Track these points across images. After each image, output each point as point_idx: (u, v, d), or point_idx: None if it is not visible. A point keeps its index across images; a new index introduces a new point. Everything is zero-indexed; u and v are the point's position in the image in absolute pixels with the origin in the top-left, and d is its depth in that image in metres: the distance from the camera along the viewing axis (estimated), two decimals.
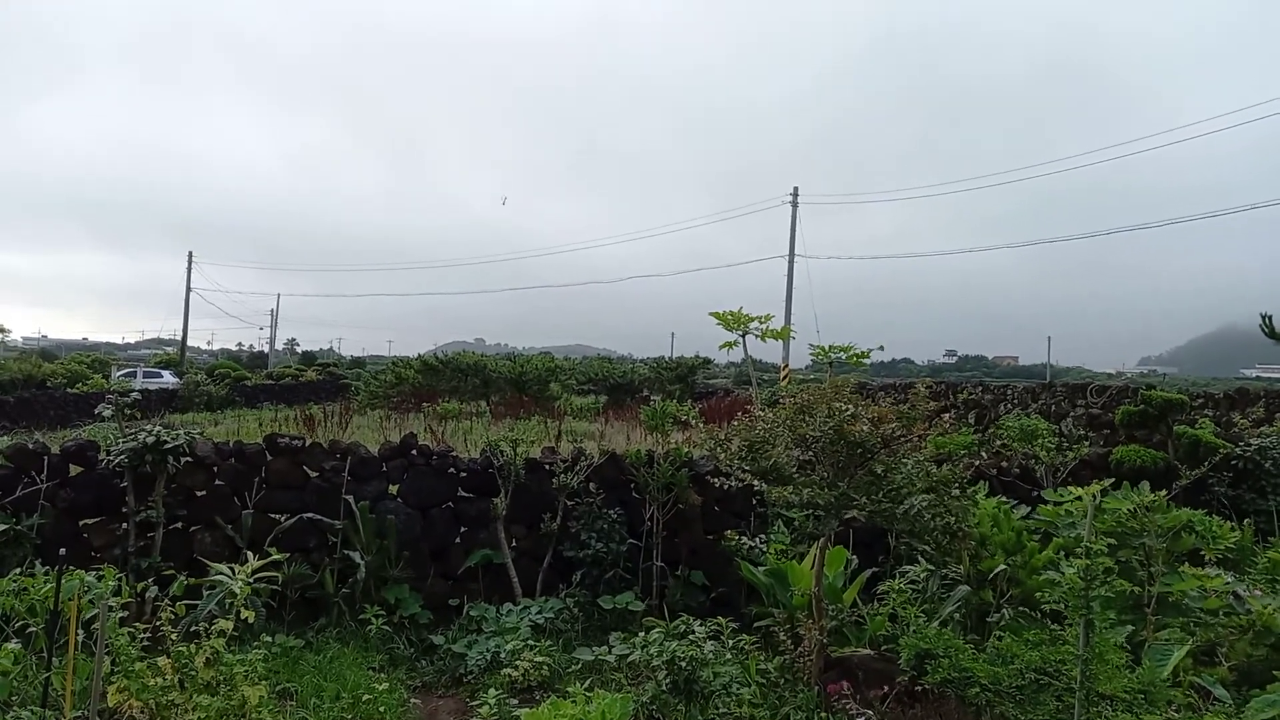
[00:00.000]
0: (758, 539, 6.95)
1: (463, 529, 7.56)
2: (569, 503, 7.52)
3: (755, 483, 5.43)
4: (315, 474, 7.35)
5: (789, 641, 5.39)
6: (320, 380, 49.78)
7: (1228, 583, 5.52)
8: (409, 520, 7.33)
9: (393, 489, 7.58)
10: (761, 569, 6.45)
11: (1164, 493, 6.07)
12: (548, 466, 7.68)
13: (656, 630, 5.57)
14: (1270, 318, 15.43)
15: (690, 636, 5.35)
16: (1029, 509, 7.01)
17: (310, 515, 7.09)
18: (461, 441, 14.84)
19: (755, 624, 6.29)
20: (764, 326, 9.76)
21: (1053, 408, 22.35)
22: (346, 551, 6.94)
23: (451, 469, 7.70)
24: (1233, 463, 9.10)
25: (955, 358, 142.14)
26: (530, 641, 6.14)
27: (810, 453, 5.21)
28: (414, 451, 7.69)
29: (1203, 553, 5.95)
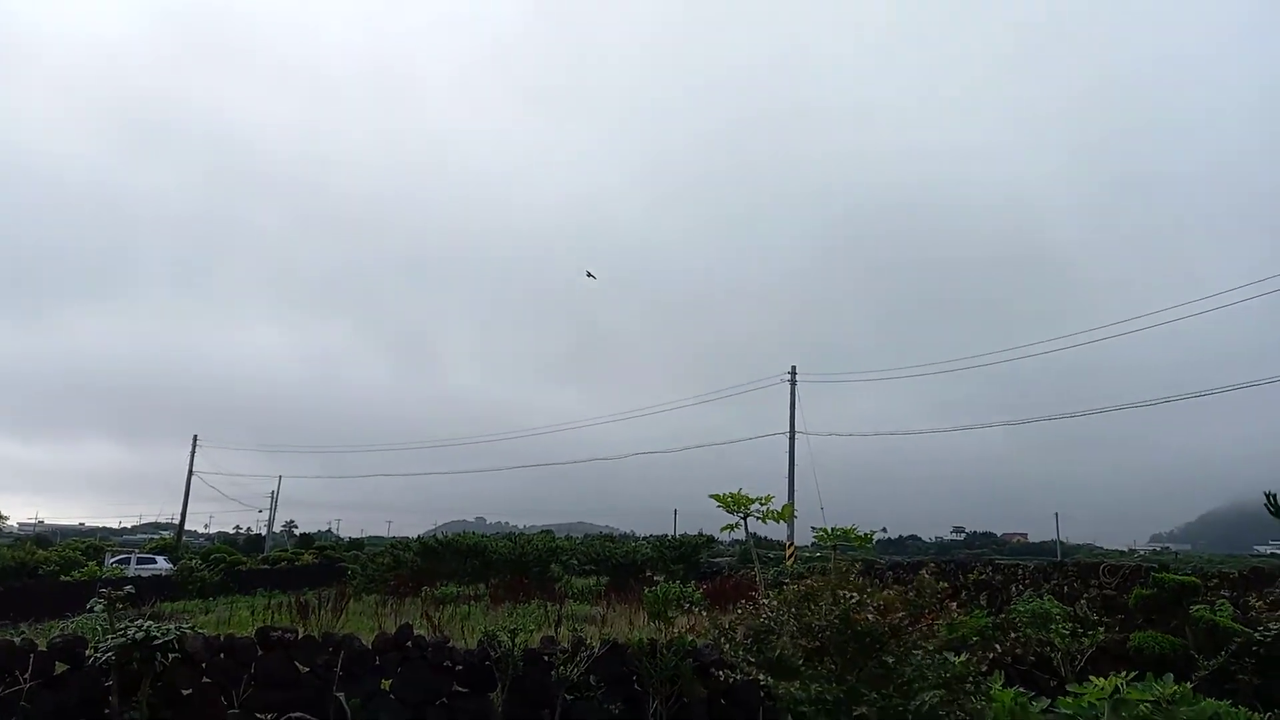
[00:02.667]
0: None
1: None
2: (569, 697, 7.22)
3: (761, 677, 5.26)
4: (307, 669, 7.12)
5: None
6: (317, 564, 48.69)
7: None
8: (402, 719, 7.02)
9: (386, 684, 7.32)
10: None
11: (1188, 684, 5.86)
12: (547, 658, 7.44)
13: None
14: (1275, 496, 15.31)
15: None
16: (1048, 701, 6.73)
17: (300, 716, 6.81)
18: (459, 628, 14.38)
19: None
20: (765, 508, 9.71)
21: (1065, 589, 21.76)
22: None
23: (448, 662, 7.46)
24: (1254, 649, 8.80)
25: (963, 535, 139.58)
26: None
27: (817, 641, 5.08)
28: (409, 644, 7.48)
29: None
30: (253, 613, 19.26)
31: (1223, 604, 11.73)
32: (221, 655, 7.06)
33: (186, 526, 64.87)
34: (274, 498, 72.54)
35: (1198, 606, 9.77)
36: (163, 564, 41.45)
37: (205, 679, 6.95)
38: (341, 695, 6.83)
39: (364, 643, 7.47)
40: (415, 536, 36.19)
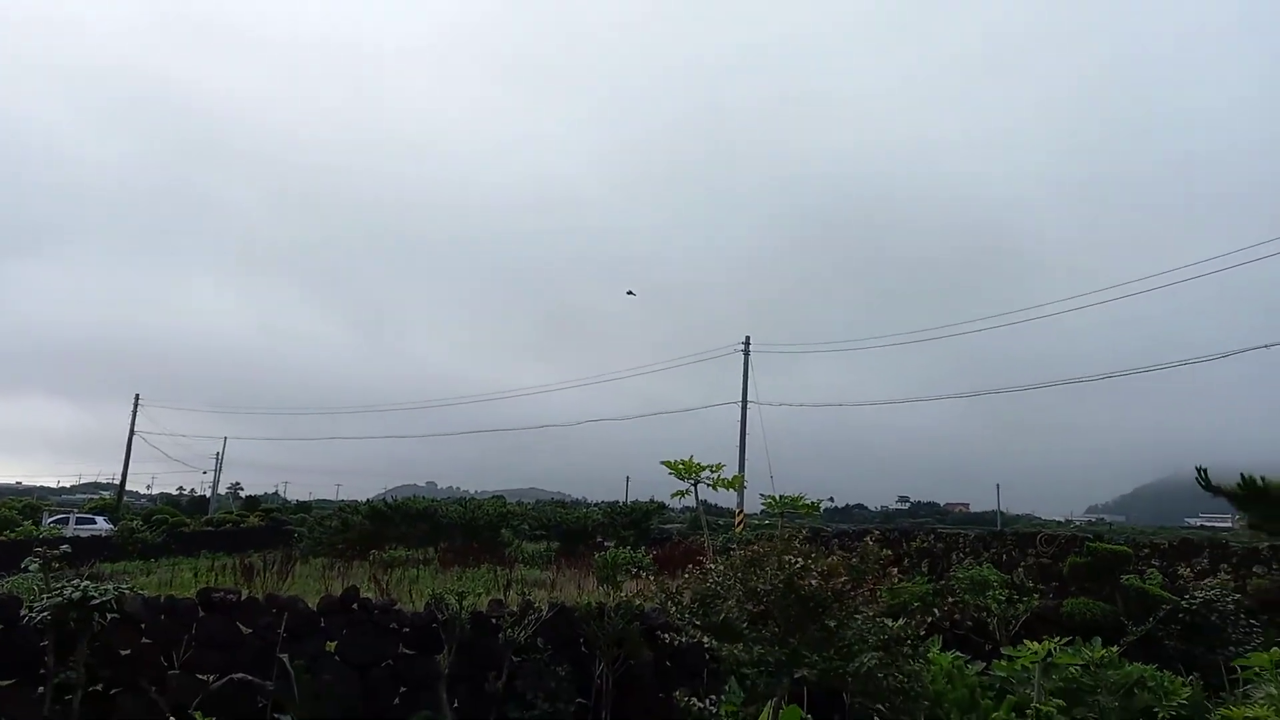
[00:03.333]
0: (709, 699, 6.73)
1: (403, 689, 7.22)
2: (516, 659, 7.25)
3: (706, 640, 5.33)
4: (250, 631, 7.04)
5: None
6: (263, 526, 48.06)
7: None
8: (347, 681, 6.99)
9: (331, 645, 7.27)
10: None
11: (1115, 648, 6.08)
12: (494, 621, 7.45)
13: None
14: (1206, 471, 15.88)
15: None
16: (984, 664, 6.95)
17: (241, 676, 6.74)
18: (407, 592, 14.33)
19: None
20: (715, 475, 9.82)
21: (1004, 557, 22.45)
22: (278, 715, 6.57)
23: (394, 624, 7.43)
24: (1180, 615, 9.16)
25: (908, 504, 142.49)
26: None
27: (762, 605, 5.16)
28: (355, 606, 7.43)
29: (1157, 710, 5.91)
30: (196, 575, 19.00)
31: (1152, 573, 12.17)
32: (162, 616, 6.94)
33: (128, 487, 63.53)
34: (219, 459, 71.30)
35: (1128, 575, 10.12)
36: (103, 524, 40.60)
37: (145, 640, 6.83)
38: (285, 657, 6.77)
39: (309, 605, 7.40)
40: (365, 500, 35.90)
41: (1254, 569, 21.04)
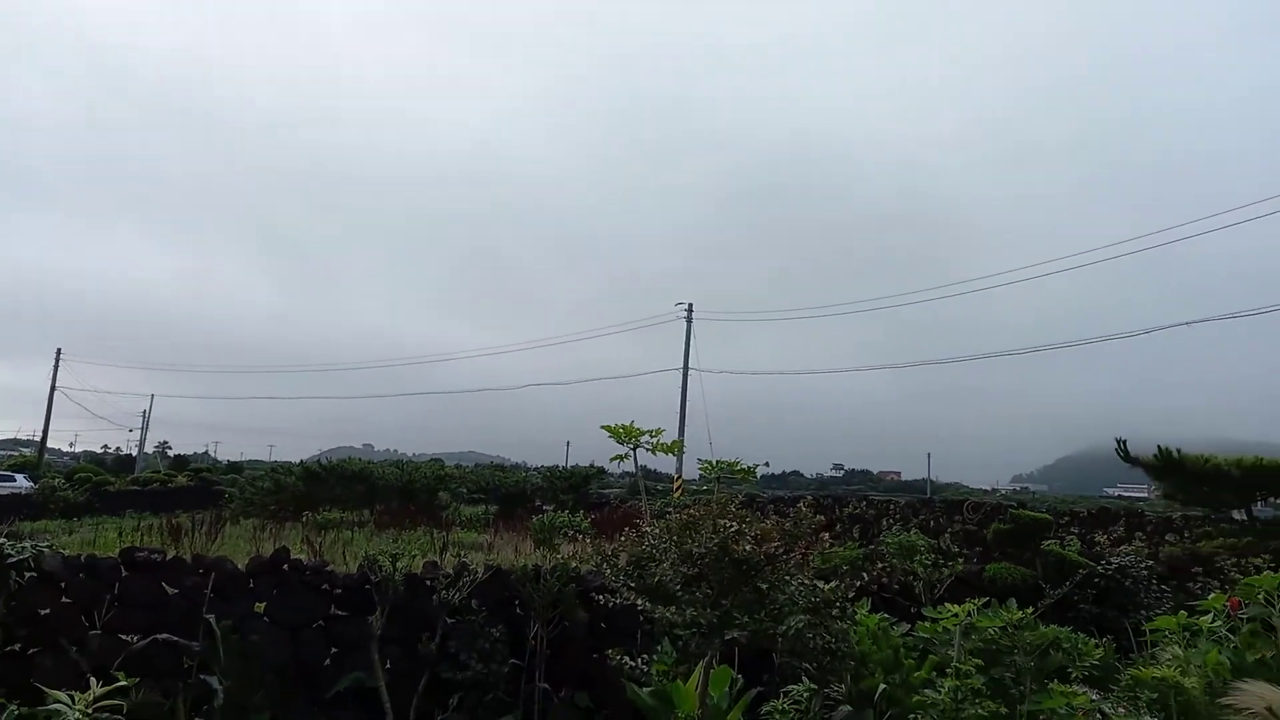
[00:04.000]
0: (642, 658, 6.83)
1: (335, 650, 7.15)
2: (450, 621, 7.24)
3: (640, 601, 5.37)
4: (175, 591, 6.88)
5: None
6: (192, 486, 46.97)
7: (1093, 700, 5.72)
8: (277, 642, 6.90)
9: (261, 607, 7.16)
10: (647, 690, 6.32)
11: (1032, 610, 6.32)
12: (429, 582, 7.42)
13: None
14: (1125, 442, 16.47)
15: None
16: (909, 626, 7.16)
17: (165, 636, 6.60)
18: (341, 554, 14.18)
19: None
20: (655, 440, 9.85)
21: (932, 523, 23.15)
22: (204, 676, 6.45)
23: (325, 586, 7.34)
24: (1096, 580, 9.56)
25: (842, 472, 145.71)
26: None
27: (696, 569, 5.22)
28: (286, 566, 7.32)
29: (1070, 670, 6.16)
30: (121, 535, 18.46)
31: (1071, 540, 12.67)
32: (82, 575, 6.74)
33: (50, 445, 61.56)
34: (145, 417, 69.42)
35: (1048, 542, 10.52)
36: (23, 482, 39.30)
37: (65, 599, 6.63)
38: (211, 617, 6.64)
39: (237, 566, 7.26)
40: (299, 461, 35.22)
41: (1166, 537, 22.08)
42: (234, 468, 66.98)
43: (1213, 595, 9.23)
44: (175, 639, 6.61)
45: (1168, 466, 15.53)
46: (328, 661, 7.09)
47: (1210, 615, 8.33)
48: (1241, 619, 8.56)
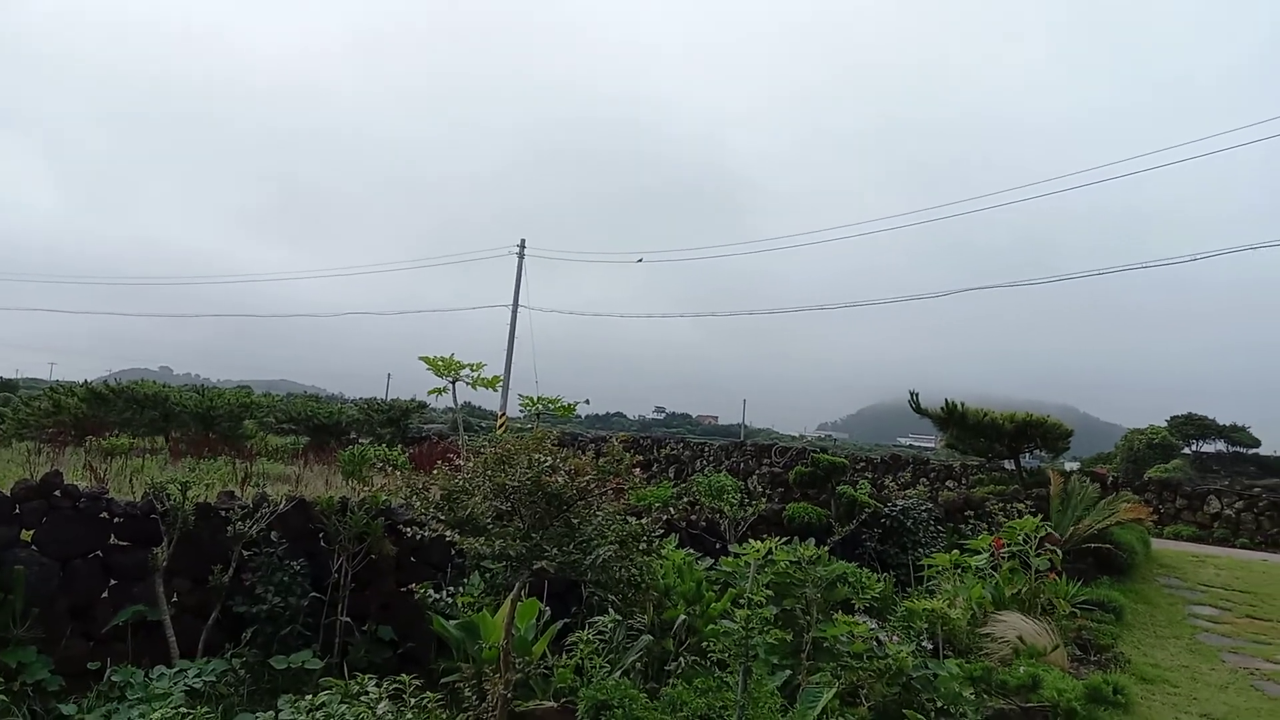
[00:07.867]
0: (447, 590, 6.77)
1: (113, 582, 6.63)
2: (246, 553, 6.88)
3: (449, 534, 5.30)
4: None
5: (474, 697, 5.28)
6: None
7: (872, 629, 6.22)
8: (45, 572, 6.30)
9: (29, 535, 6.51)
10: (454, 622, 6.29)
11: (824, 547, 6.76)
12: (224, 513, 6.99)
13: (325, 693, 5.20)
14: (917, 395, 17.81)
15: (364, 698, 5.04)
16: (713, 561, 7.49)
17: None
18: (129, 482, 13.14)
19: (443, 680, 6.09)
20: (476, 374, 9.70)
21: (742, 465, 24.31)
22: None
23: (104, 514, 6.76)
24: (882, 520, 10.35)
25: (664, 415, 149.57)
26: (183, 709, 5.47)
27: (509, 503, 5.20)
28: (57, 493, 6.67)
29: (854, 602, 6.66)
30: None
31: (863, 483, 13.61)
32: None
33: None
34: None
35: (843, 484, 11.26)
36: None
37: None
38: None
39: (2, 491, 6.55)
40: (84, 381, 32.18)
41: (947, 483, 24.26)
42: (8, 385, 60.27)
43: (981, 536, 10.26)
44: None
45: (951, 418, 17.00)
46: (105, 594, 6.57)
47: (979, 554, 9.26)
48: (1004, 557, 9.58)
